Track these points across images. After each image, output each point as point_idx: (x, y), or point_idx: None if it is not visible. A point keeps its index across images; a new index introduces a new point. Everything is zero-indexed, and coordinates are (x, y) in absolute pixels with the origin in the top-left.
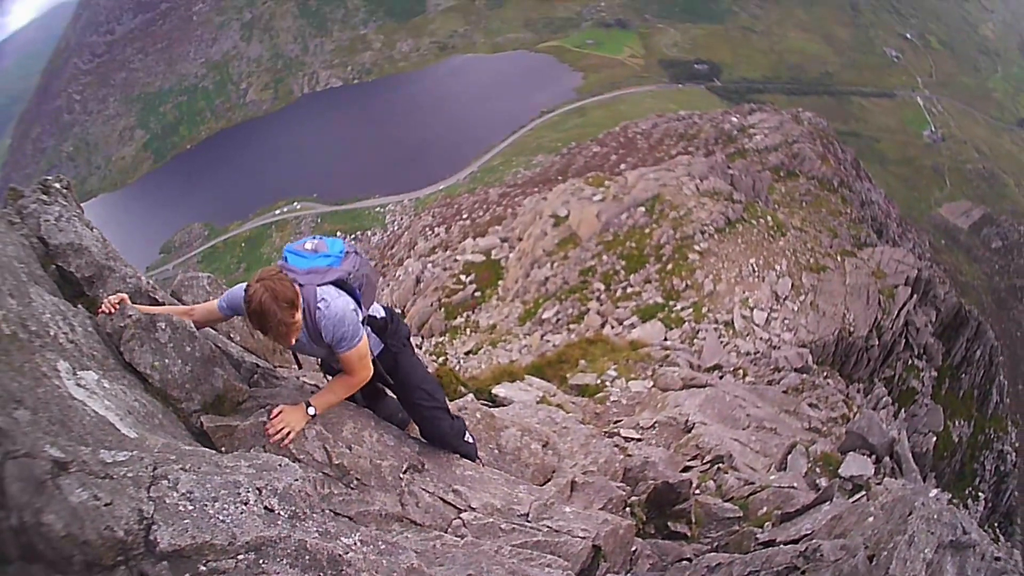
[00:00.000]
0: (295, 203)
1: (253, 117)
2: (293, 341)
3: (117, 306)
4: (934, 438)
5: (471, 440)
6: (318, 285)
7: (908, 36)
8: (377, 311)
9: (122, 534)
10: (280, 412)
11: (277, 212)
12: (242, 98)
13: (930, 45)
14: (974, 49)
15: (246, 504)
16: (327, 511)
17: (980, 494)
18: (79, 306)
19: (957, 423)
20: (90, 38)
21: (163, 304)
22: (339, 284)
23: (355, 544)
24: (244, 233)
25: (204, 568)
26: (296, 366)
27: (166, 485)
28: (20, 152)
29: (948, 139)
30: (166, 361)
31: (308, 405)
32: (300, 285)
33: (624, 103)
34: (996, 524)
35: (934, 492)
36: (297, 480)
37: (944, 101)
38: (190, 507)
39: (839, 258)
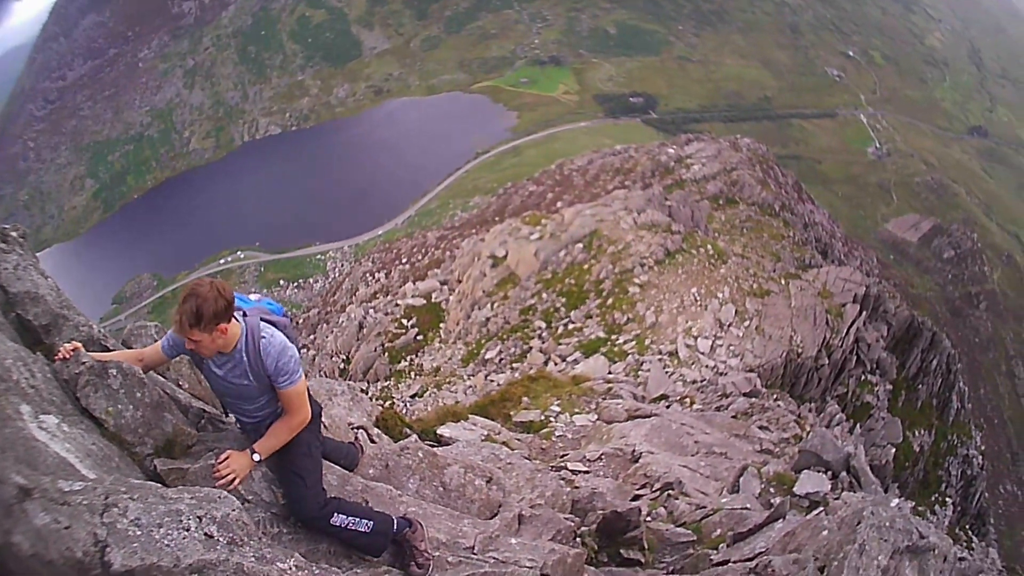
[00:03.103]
0: (239, 252)
1: (196, 166)
2: (211, 350)
3: (72, 353)
4: (893, 450)
5: (354, 526)
6: (262, 319)
7: (850, 54)
8: None
9: (80, 555)
10: (227, 458)
11: (222, 262)
12: (185, 147)
13: (874, 61)
14: (920, 61)
15: (188, 530)
16: (263, 539)
17: (947, 499)
18: (37, 353)
19: (917, 433)
20: (43, 84)
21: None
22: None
23: (290, 569)
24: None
25: None
26: (225, 415)
27: (117, 512)
28: None
29: (893, 154)
30: (119, 406)
31: (253, 452)
32: (245, 314)
33: (559, 140)
34: (968, 526)
35: (895, 502)
36: (235, 510)
37: (888, 116)
38: (138, 532)
39: (783, 281)
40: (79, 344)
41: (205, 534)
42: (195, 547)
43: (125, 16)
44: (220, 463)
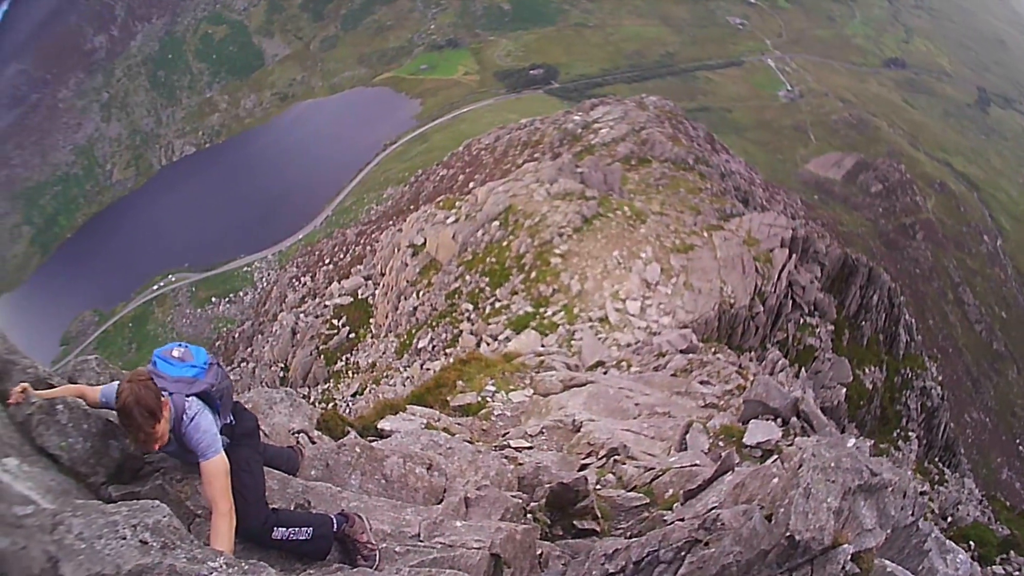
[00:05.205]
0: (170, 276)
1: (120, 197)
2: (155, 448)
3: (22, 396)
4: (843, 390)
5: (294, 536)
6: (186, 396)
7: (752, 1)
8: (227, 417)
9: (38, 571)
10: None
11: (155, 288)
12: (108, 179)
13: (777, 5)
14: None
15: (124, 539)
16: (194, 541)
17: (911, 434)
18: None
19: (868, 370)
20: None
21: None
22: (202, 395)
23: (220, 567)
24: (129, 314)
25: None
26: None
27: (63, 529)
28: None
29: (807, 95)
30: (70, 440)
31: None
32: (169, 393)
33: (464, 122)
34: (938, 459)
35: (852, 441)
36: (165, 516)
37: (798, 58)
38: (82, 545)
39: (706, 234)
40: (27, 385)
41: (140, 540)
42: (132, 553)
43: (43, 60)
44: None
